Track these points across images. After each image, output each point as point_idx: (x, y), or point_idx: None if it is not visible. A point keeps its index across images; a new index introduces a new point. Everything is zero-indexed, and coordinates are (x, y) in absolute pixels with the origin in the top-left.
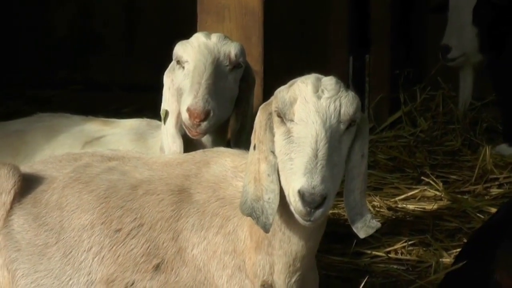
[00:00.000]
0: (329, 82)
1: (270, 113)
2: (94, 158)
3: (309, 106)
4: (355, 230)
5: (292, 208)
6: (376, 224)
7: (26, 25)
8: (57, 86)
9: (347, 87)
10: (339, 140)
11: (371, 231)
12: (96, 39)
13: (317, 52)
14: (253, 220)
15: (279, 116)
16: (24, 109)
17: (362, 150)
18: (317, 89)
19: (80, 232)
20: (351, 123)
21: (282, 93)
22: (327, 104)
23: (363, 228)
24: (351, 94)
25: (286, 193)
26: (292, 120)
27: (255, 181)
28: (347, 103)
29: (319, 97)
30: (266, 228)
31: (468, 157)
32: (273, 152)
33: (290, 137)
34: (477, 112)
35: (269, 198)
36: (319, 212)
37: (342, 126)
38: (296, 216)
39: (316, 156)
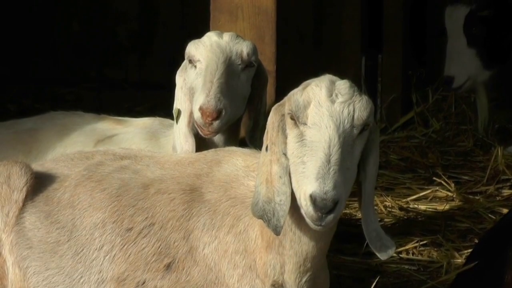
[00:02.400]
0: (343, 86)
1: (283, 115)
2: (106, 157)
3: (323, 110)
4: (374, 251)
5: (303, 211)
6: (392, 243)
7: (39, 22)
8: (70, 84)
9: (359, 87)
10: (352, 144)
11: (391, 252)
12: (109, 36)
13: (329, 52)
14: (264, 223)
15: (292, 118)
16: (37, 107)
17: (376, 164)
18: (331, 93)
19: (92, 230)
20: (364, 127)
21: (296, 95)
22: (341, 108)
23: (382, 247)
24: (365, 98)
25: (297, 196)
26: (305, 124)
27: (266, 182)
28: (360, 107)
29: (333, 102)
30: (277, 231)
31: (480, 158)
32: (285, 154)
33: (303, 140)
34: (489, 113)
35: (280, 200)
36: (330, 217)
37: (355, 131)
38: (307, 220)
39: (329, 161)
